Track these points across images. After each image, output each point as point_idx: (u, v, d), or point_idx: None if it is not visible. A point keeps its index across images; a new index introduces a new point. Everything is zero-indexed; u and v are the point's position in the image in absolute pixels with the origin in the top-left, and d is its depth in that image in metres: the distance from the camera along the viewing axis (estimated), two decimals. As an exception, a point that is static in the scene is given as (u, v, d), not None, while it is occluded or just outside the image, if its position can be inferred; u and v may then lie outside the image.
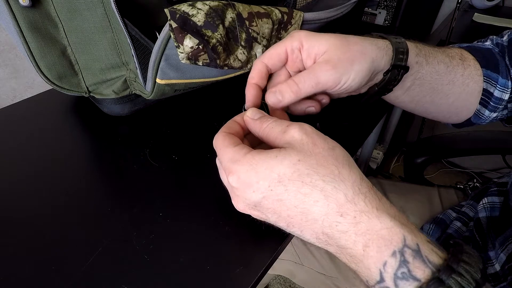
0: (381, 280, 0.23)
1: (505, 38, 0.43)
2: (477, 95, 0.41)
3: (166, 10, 0.32)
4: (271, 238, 0.33)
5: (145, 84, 0.40)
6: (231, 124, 0.30)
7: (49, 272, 0.30)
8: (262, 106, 0.33)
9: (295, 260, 0.63)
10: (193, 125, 0.47)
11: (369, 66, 0.32)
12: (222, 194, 0.35)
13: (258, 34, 0.37)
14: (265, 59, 0.33)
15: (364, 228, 0.24)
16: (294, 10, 0.39)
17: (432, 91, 0.39)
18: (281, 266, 0.65)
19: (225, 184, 0.29)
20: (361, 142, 0.48)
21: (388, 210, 0.24)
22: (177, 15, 0.32)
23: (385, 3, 0.82)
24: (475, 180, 0.65)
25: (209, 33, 0.34)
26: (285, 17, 0.38)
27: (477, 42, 0.46)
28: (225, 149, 0.27)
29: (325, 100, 0.36)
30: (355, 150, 0.46)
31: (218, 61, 0.36)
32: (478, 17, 1.01)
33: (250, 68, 0.39)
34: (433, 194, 0.64)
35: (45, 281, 0.29)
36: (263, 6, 0.37)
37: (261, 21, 0.36)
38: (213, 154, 0.30)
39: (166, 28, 0.33)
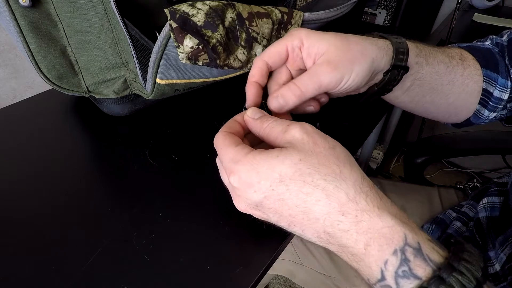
0: (382, 278, 0.23)
1: (504, 37, 0.43)
2: (477, 95, 0.41)
3: (166, 10, 0.32)
4: (271, 238, 0.33)
5: (145, 84, 0.40)
6: (232, 124, 0.30)
7: (49, 272, 0.30)
8: (263, 105, 0.33)
9: (295, 260, 0.63)
10: (193, 125, 0.47)
11: (369, 66, 0.32)
12: (222, 194, 0.35)
13: (258, 34, 0.37)
14: (266, 57, 0.33)
15: (365, 226, 0.24)
16: (294, 10, 0.39)
17: (431, 91, 0.39)
18: (281, 266, 0.65)
19: (226, 184, 0.29)
20: (361, 142, 0.48)
21: (389, 209, 0.24)
22: (177, 15, 0.32)
23: (385, 3, 0.82)
24: (475, 180, 0.65)
25: (209, 33, 0.34)
26: (285, 17, 0.38)
27: (477, 41, 0.46)
28: (226, 149, 0.27)
29: (324, 99, 0.36)
30: (355, 150, 0.46)
31: (218, 61, 0.36)
32: (478, 17, 1.01)
33: (250, 68, 0.39)
34: (433, 194, 0.64)
35: (45, 281, 0.29)
36: (263, 6, 0.37)
37: (261, 21, 0.36)
38: (213, 154, 0.30)
39: (166, 28, 0.33)
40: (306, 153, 0.25)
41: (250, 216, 0.29)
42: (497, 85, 0.40)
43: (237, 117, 0.31)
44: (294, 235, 0.29)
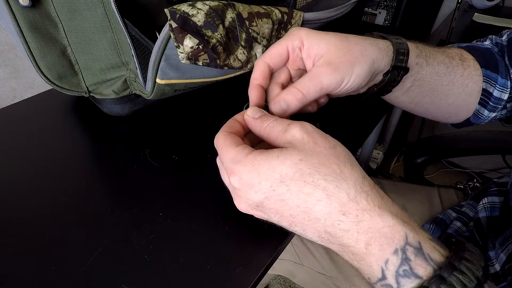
0: (383, 277, 0.23)
1: (504, 37, 0.43)
2: (477, 95, 0.41)
3: (166, 10, 0.32)
4: (271, 238, 0.33)
5: (145, 84, 0.40)
6: (232, 123, 0.30)
7: (49, 272, 0.30)
8: (266, 106, 0.33)
9: (295, 260, 0.63)
10: (193, 125, 0.47)
11: (369, 67, 0.32)
12: (222, 194, 0.35)
13: (258, 34, 0.37)
14: (267, 59, 0.33)
15: (366, 226, 0.24)
16: (294, 10, 0.39)
17: (431, 92, 0.39)
18: (281, 266, 0.65)
19: (226, 184, 0.29)
20: (361, 142, 0.48)
21: (390, 208, 0.24)
22: (177, 15, 0.32)
23: (385, 3, 0.82)
24: (475, 180, 0.65)
25: (209, 33, 0.34)
26: (285, 17, 0.38)
27: (476, 41, 0.46)
28: (227, 149, 0.27)
29: (323, 100, 0.36)
30: (355, 150, 0.46)
31: (218, 61, 0.36)
32: (478, 17, 1.01)
33: (250, 68, 0.39)
34: (433, 194, 0.64)
35: (45, 281, 0.29)
36: (263, 6, 0.37)
37: (261, 21, 0.36)
38: (213, 154, 0.30)
39: (166, 28, 0.33)
40: (306, 153, 0.25)
41: (251, 216, 0.29)
42: (496, 85, 0.40)
43: (238, 116, 0.31)
44: (294, 235, 0.29)
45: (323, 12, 0.42)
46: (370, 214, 0.24)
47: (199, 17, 0.33)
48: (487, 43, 0.44)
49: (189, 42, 0.33)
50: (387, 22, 0.84)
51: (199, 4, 0.33)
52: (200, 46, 0.34)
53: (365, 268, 0.24)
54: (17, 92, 0.90)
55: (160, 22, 0.40)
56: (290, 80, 0.35)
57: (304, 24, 0.40)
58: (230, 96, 0.52)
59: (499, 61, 0.41)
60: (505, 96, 0.41)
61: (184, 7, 0.33)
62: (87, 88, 0.45)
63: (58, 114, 0.49)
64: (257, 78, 0.33)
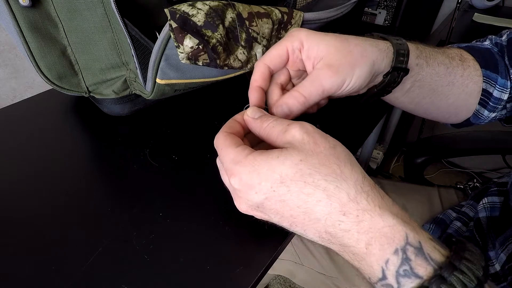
0: (383, 277, 0.23)
1: (504, 37, 0.43)
2: (476, 95, 0.41)
3: (166, 10, 0.32)
4: (271, 238, 0.33)
5: (145, 84, 0.40)
6: (232, 124, 0.30)
7: (49, 272, 0.30)
8: (266, 109, 0.33)
9: (295, 260, 0.63)
10: (193, 125, 0.47)
11: (370, 69, 0.32)
12: (222, 194, 0.35)
13: (258, 34, 0.37)
14: (267, 61, 0.33)
15: (366, 226, 0.24)
16: (294, 10, 0.39)
17: (431, 93, 0.39)
18: (281, 266, 0.65)
19: (226, 185, 0.29)
20: (361, 142, 0.48)
21: (391, 208, 0.24)
22: (177, 15, 0.32)
23: (385, 3, 0.82)
24: (475, 180, 0.65)
25: (209, 33, 0.34)
26: (285, 17, 0.38)
27: (476, 41, 0.46)
28: (227, 149, 0.27)
29: (323, 101, 0.35)
30: (355, 150, 0.46)
31: (218, 61, 0.36)
32: (478, 17, 1.01)
33: (250, 68, 0.39)
34: (433, 194, 0.64)
35: (45, 281, 0.29)
36: (263, 6, 0.37)
37: (261, 21, 0.36)
38: (213, 154, 0.30)
39: (166, 28, 0.33)
40: (306, 153, 0.25)
41: (252, 216, 0.29)
42: (496, 85, 0.40)
43: (237, 116, 0.31)
44: (294, 235, 0.29)
45: (323, 12, 0.42)
46: (370, 214, 0.24)
47: (199, 17, 0.33)
48: (486, 43, 0.44)
49: (189, 42, 0.33)
50: (387, 22, 0.84)
51: (199, 4, 0.33)
52: (200, 46, 0.34)
53: (366, 268, 0.24)
54: (17, 92, 0.90)
55: (160, 22, 0.40)
56: (289, 80, 0.35)
57: (304, 24, 0.40)
58: (230, 96, 0.52)
59: (499, 61, 0.41)
60: (505, 96, 0.41)
61: (184, 7, 0.33)
62: (87, 88, 0.45)
63: (58, 114, 0.49)
64: (257, 80, 0.33)
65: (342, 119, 0.49)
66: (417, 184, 0.68)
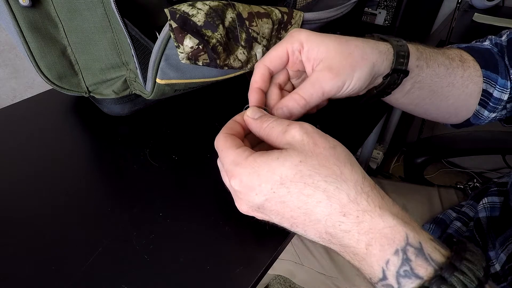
0: (384, 277, 0.23)
1: (504, 38, 0.43)
2: (477, 96, 0.41)
3: (166, 10, 0.32)
4: (271, 238, 0.33)
5: (145, 84, 0.40)
6: (232, 125, 0.30)
7: (49, 272, 0.30)
8: (266, 109, 0.33)
9: (295, 260, 0.63)
10: (193, 125, 0.47)
11: (369, 71, 0.32)
12: (222, 194, 0.35)
13: (258, 34, 0.37)
14: (267, 62, 0.33)
15: (367, 227, 0.24)
16: (294, 10, 0.39)
17: (431, 94, 0.39)
18: (281, 266, 0.65)
19: (227, 186, 0.29)
20: (361, 142, 0.48)
21: (391, 209, 0.24)
22: (177, 15, 0.32)
23: (385, 3, 0.82)
24: (475, 180, 0.65)
25: (209, 33, 0.34)
26: (285, 17, 0.38)
27: (476, 42, 0.46)
28: (227, 151, 0.27)
29: (323, 102, 0.35)
30: (355, 150, 0.46)
31: (218, 61, 0.36)
32: (478, 17, 1.01)
33: (250, 68, 0.39)
34: (433, 194, 0.64)
35: (45, 281, 0.29)
36: (263, 6, 0.37)
37: (261, 21, 0.36)
38: (213, 154, 0.30)
39: (166, 28, 0.33)
40: (306, 154, 0.25)
41: (252, 217, 0.29)
42: (496, 86, 0.40)
43: (237, 117, 0.31)
44: (294, 235, 0.29)
45: (323, 12, 0.42)
46: (370, 215, 0.24)
47: (199, 17, 0.33)
48: (486, 43, 0.44)
49: (189, 42, 0.33)
50: (387, 22, 0.84)
51: (199, 4, 0.33)
52: (200, 46, 0.34)
53: (366, 268, 0.24)
54: (17, 92, 0.90)
55: (160, 22, 0.40)
56: (288, 80, 0.35)
57: (304, 24, 0.40)
58: (230, 96, 0.52)
59: (499, 62, 0.41)
60: (505, 97, 0.41)
61: (184, 7, 0.33)
62: (87, 88, 0.45)
63: (58, 114, 0.49)
64: (257, 81, 0.33)
65: (342, 119, 0.49)
66: (417, 184, 0.68)
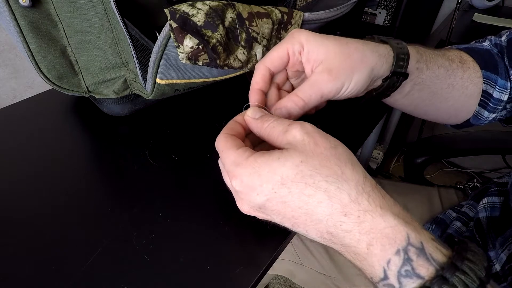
0: (385, 277, 0.23)
1: (503, 38, 0.43)
2: (476, 96, 0.41)
3: (166, 10, 0.32)
4: (271, 238, 0.33)
5: (145, 84, 0.40)
6: (232, 125, 0.30)
7: (49, 272, 0.30)
8: (266, 109, 0.33)
9: (295, 260, 0.63)
10: (193, 125, 0.47)
11: (368, 74, 0.32)
12: (222, 194, 0.35)
13: (258, 34, 0.37)
14: (268, 63, 0.33)
15: (368, 227, 0.24)
16: (294, 10, 0.39)
17: (431, 95, 0.39)
18: (281, 266, 0.65)
19: (228, 187, 0.29)
20: (361, 142, 0.48)
21: (392, 209, 0.25)
22: (177, 15, 0.32)
23: (385, 3, 0.82)
24: (475, 180, 0.65)
25: (209, 33, 0.34)
26: (285, 17, 0.38)
27: (475, 42, 0.46)
28: (228, 151, 0.27)
29: (322, 104, 0.35)
30: (355, 150, 0.46)
31: (218, 61, 0.36)
32: (478, 17, 1.01)
33: (250, 68, 0.39)
34: (433, 194, 0.64)
35: (45, 281, 0.29)
36: (263, 6, 0.37)
37: (261, 21, 0.36)
38: (213, 154, 0.30)
39: (166, 28, 0.33)
40: (307, 154, 0.25)
41: (254, 217, 0.29)
42: (496, 86, 0.40)
43: (238, 117, 0.31)
44: (294, 235, 0.29)
45: (323, 12, 0.42)
46: (372, 215, 0.24)
47: (199, 17, 0.33)
48: (486, 43, 0.44)
49: (189, 42, 0.33)
50: (387, 22, 0.84)
51: (199, 4, 0.33)
52: (200, 46, 0.34)
53: (367, 268, 0.24)
54: (17, 92, 0.90)
55: (160, 22, 0.40)
56: (287, 80, 0.35)
57: (304, 24, 0.40)
58: (230, 96, 0.52)
59: (499, 62, 0.41)
60: (505, 97, 0.41)
61: (184, 7, 0.33)
62: (87, 88, 0.45)
63: (58, 114, 0.49)
64: (258, 82, 0.33)
65: (342, 119, 0.49)
66: (417, 184, 0.68)
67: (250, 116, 0.30)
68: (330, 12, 0.42)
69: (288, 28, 0.39)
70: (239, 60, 0.37)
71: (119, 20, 0.35)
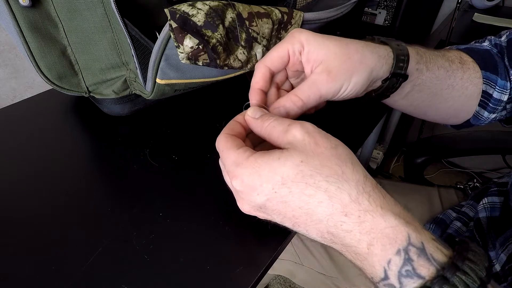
0: (386, 277, 0.23)
1: (503, 38, 0.43)
2: (476, 97, 0.41)
3: (166, 10, 0.32)
4: (271, 238, 0.33)
5: (145, 84, 0.40)
6: (233, 125, 0.30)
7: (49, 272, 0.30)
8: (267, 109, 0.33)
9: (295, 260, 0.63)
10: (193, 125, 0.47)
11: (368, 75, 0.32)
12: (222, 194, 0.35)
13: (258, 34, 0.37)
14: (268, 63, 0.33)
15: (368, 227, 0.24)
16: (294, 10, 0.39)
17: (431, 96, 0.39)
18: (281, 266, 0.65)
19: (229, 186, 0.29)
20: (361, 142, 0.48)
21: (393, 208, 0.25)
22: (177, 15, 0.32)
23: (385, 3, 0.82)
24: (475, 180, 0.65)
25: (209, 33, 0.34)
26: (285, 17, 0.38)
27: (475, 42, 0.46)
28: (228, 151, 0.27)
29: (321, 104, 0.35)
30: (355, 150, 0.46)
31: (218, 61, 0.36)
32: (478, 17, 1.01)
33: (250, 68, 0.39)
34: (433, 194, 0.64)
35: (45, 281, 0.29)
36: (263, 6, 0.37)
37: (261, 21, 0.36)
38: (213, 154, 0.30)
39: (166, 28, 0.33)
40: (307, 154, 0.25)
41: (254, 217, 0.29)
42: (496, 87, 0.40)
43: (238, 117, 0.31)
44: (294, 235, 0.29)
45: (323, 12, 0.42)
46: (372, 214, 0.24)
47: (199, 17, 0.33)
48: (486, 44, 0.44)
49: (189, 42, 0.33)
50: (387, 22, 0.84)
51: (199, 4, 0.33)
52: (200, 46, 0.34)
53: (368, 268, 0.24)
54: (17, 92, 0.90)
55: (160, 22, 0.40)
56: (286, 79, 0.35)
57: (304, 24, 0.40)
58: (230, 96, 0.52)
59: (499, 63, 0.41)
60: (505, 98, 0.41)
61: (184, 7, 0.33)
62: (87, 88, 0.45)
63: (58, 114, 0.49)
64: (258, 82, 0.33)
65: (342, 119, 0.49)
66: (417, 184, 0.68)
67: (251, 116, 0.30)
68: (330, 12, 0.42)
69: (288, 28, 0.39)
70: (239, 60, 0.37)
71: (119, 20, 0.35)
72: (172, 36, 0.33)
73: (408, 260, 0.23)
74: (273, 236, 0.33)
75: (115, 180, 0.39)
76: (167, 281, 0.29)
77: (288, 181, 0.24)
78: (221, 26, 0.34)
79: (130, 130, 0.46)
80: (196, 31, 0.33)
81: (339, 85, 0.31)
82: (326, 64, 0.31)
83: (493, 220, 0.48)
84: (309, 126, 0.26)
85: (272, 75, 0.34)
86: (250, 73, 0.35)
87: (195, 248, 0.32)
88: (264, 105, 0.33)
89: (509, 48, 0.41)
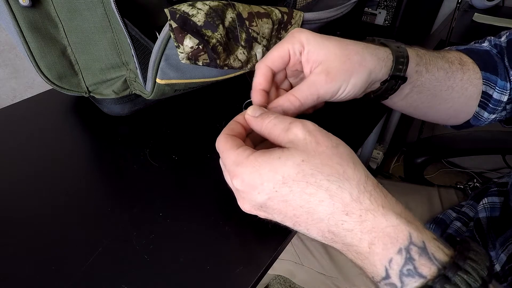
0: (387, 276, 0.23)
1: (503, 38, 0.43)
2: (476, 98, 0.41)
3: (166, 10, 0.32)
4: (271, 238, 0.33)
5: (145, 84, 0.40)
6: (233, 125, 0.30)
7: (49, 272, 0.30)
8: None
9: (295, 260, 0.63)
10: (193, 125, 0.47)
11: (366, 77, 0.32)
12: (222, 194, 0.35)
13: (258, 34, 0.37)
14: (269, 63, 0.33)
15: (369, 226, 0.24)
16: (294, 10, 0.39)
17: (431, 97, 0.39)
18: (281, 266, 0.65)
19: (230, 186, 0.29)
20: (361, 142, 0.48)
21: (394, 208, 0.25)
22: (177, 15, 0.32)
23: (385, 3, 0.82)
24: (475, 180, 0.65)
25: (209, 33, 0.34)
26: (285, 17, 0.38)
27: (474, 43, 0.46)
28: (228, 151, 0.27)
29: (319, 104, 0.35)
30: (355, 150, 0.46)
31: (218, 61, 0.36)
32: (478, 17, 1.01)
33: (250, 68, 0.39)
34: (433, 194, 0.64)
35: (45, 281, 0.29)
36: (263, 6, 0.37)
37: (261, 21, 0.36)
38: (213, 154, 0.30)
39: (166, 28, 0.33)
40: (308, 153, 0.25)
41: (254, 216, 0.29)
42: (496, 87, 0.40)
43: (238, 117, 0.31)
44: (295, 235, 0.29)
45: (323, 12, 0.42)
46: (373, 214, 0.24)
47: (199, 17, 0.33)
48: (485, 44, 0.44)
49: (189, 42, 0.33)
50: (387, 22, 0.84)
51: (199, 4, 0.33)
52: (200, 46, 0.34)
53: (369, 267, 0.24)
54: (17, 92, 0.90)
55: (160, 22, 0.40)
56: (285, 79, 0.35)
57: (304, 24, 0.40)
58: (230, 96, 0.52)
59: (498, 63, 0.41)
60: (505, 98, 0.41)
61: (184, 7, 0.33)
62: (87, 88, 0.45)
63: (58, 114, 0.49)
64: (261, 82, 0.33)
65: (342, 119, 0.49)
66: (417, 184, 0.68)
67: (250, 115, 0.30)
68: (330, 12, 0.42)
69: (288, 28, 0.39)
70: (239, 60, 0.37)
71: (119, 20, 0.35)
72: (172, 36, 0.33)
73: (409, 259, 0.23)
74: (273, 236, 0.33)
75: (115, 180, 0.39)
76: (167, 281, 0.29)
77: (289, 180, 0.24)
78: (221, 26, 0.34)
79: (130, 130, 0.46)
80: (196, 31, 0.33)
81: (337, 86, 0.31)
82: (325, 64, 0.31)
83: (493, 220, 0.48)
84: (310, 124, 0.26)
85: (273, 75, 0.34)
86: (250, 73, 0.35)
87: (195, 248, 0.32)
88: (266, 106, 0.33)
89: (509, 49, 0.41)
